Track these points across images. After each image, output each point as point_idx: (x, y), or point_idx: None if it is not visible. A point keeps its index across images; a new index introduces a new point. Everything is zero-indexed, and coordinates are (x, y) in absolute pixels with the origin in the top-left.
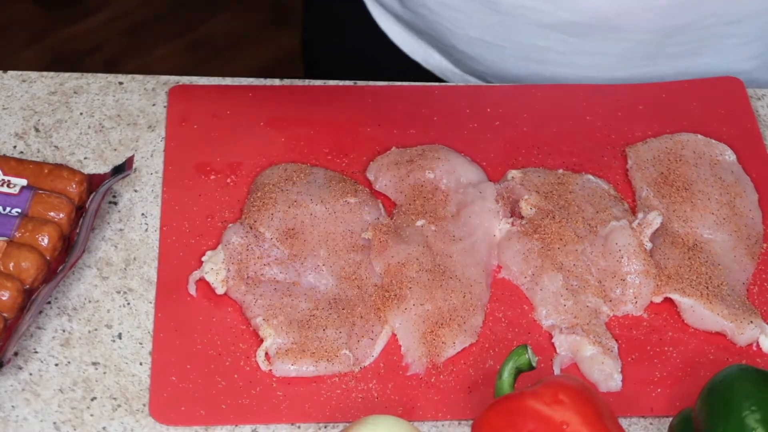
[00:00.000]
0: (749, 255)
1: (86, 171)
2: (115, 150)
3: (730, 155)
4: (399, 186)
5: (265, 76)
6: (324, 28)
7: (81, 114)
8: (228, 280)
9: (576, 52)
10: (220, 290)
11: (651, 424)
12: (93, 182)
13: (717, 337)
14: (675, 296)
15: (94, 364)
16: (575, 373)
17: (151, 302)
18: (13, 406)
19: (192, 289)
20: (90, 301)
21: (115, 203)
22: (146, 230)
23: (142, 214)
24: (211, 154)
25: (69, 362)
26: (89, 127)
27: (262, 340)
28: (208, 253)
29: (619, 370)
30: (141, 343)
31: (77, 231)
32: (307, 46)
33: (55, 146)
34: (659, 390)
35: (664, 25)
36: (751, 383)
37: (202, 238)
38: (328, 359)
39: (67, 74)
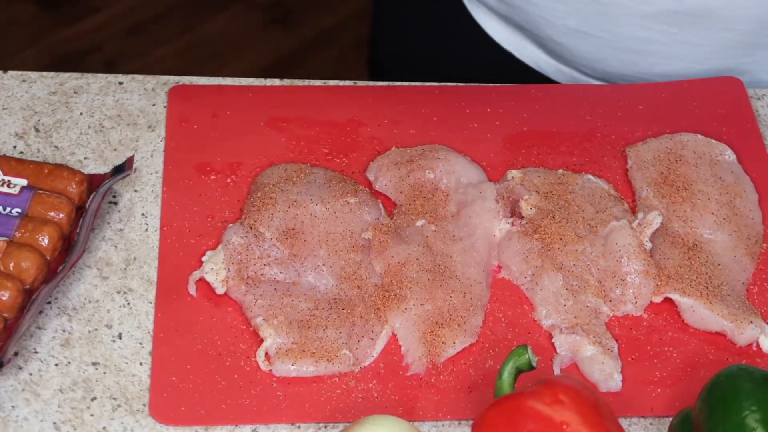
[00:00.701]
0: (749, 255)
1: (86, 171)
2: (115, 150)
3: (730, 155)
4: (399, 186)
5: (265, 76)
6: (412, 20)
7: (81, 114)
8: (228, 280)
9: (675, 42)
10: (220, 290)
11: (651, 424)
12: (93, 182)
13: (717, 337)
14: (675, 296)
15: (94, 364)
16: (575, 373)
17: (151, 302)
18: (13, 406)
19: (192, 289)
20: (90, 301)
21: (115, 203)
22: (146, 230)
23: (142, 214)
24: (211, 154)
25: (69, 362)
26: (89, 127)
27: (262, 340)
28: (208, 253)
29: (619, 370)
30: (141, 343)
31: (77, 231)
32: (382, 41)
33: (55, 146)
34: (659, 390)
35: (764, 14)
36: (751, 383)
37: (202, 238)
38: (328, 359)
39: (67, 74)
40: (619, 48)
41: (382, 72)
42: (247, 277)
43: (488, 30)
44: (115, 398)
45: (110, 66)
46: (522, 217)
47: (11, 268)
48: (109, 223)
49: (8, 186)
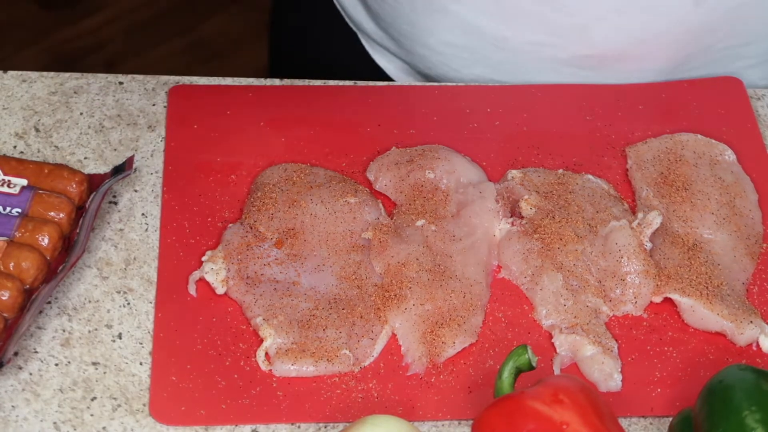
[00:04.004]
0: (749, 255)
1: (86, 171)
2: (115, 150)
3: (730, 155)
4: (399, 186)
5: (265, 76)
6: (308, 51)
7: (81, 114)
8: (228, 280)
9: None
10: (220, 290)
11: (651, 424)
12: (93, 182)
13: (717, 337)
14: (675, 296)
15: (94, 364)
16: (575, 373)
17: (151, 302)
18: (13, 406)
19: (192, 289)
20: (90, 301)
21: (115, 203)
22: (146, 230)
23: (142, 214)
24: (211, 154)
25: (69, 362)
26: (89, 127)
27: (262, 340)
28: (208, 253)
29: (619, 370)
30: (141, 343)
31: (77, 231)
32: (283, 64)
33: (55, 146)
34: (659, 390)
35: (677, 53)
36: (751, 383)
37: (202, 238)
38: (328, 359)
39: (67, 74)
40: None
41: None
42: (247, 277)
43: (391, 75)
44: (115, 398)
45: (110, 66)
46: (522, 217)
47: (11, 268)
48: (109, 223)
49: (8, 186)
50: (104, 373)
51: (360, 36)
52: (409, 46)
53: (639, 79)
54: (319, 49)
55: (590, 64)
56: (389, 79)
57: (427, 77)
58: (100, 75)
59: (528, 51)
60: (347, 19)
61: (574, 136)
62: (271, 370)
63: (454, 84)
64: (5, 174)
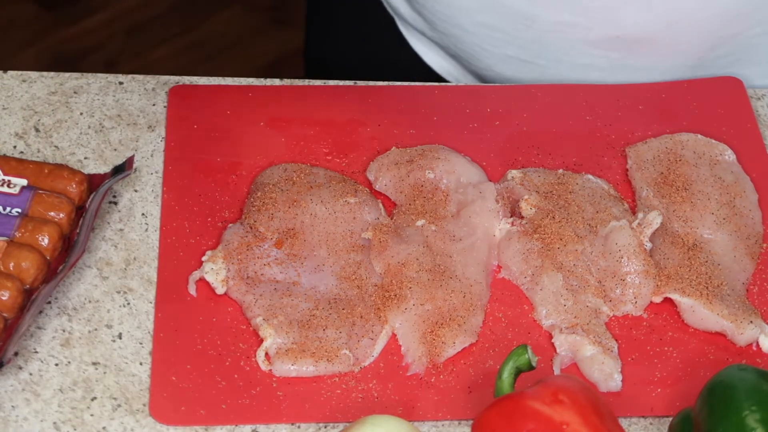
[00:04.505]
0: (749, 255)
1: (86, 171)
2: (115, 150)
3: (730, 155)
4: (399, 186)
5: (265, 76)
6: (342, 38)
7: (81, 114)
8: (228, 280)
9: (617, 67)
10: (220, 290)
11: (651, 424)
12: (93, 182)
13: (717, 337)
14: (675, 296)
15: (94, 364)
16: (575, 373)
17: (151, 302)
18: (13, 406)
19: (192, 289)
20: (90, 301)
21: (115, 203)
22: (146, 230)
23: (142, 214)
24: (211, 154)
25: (69, 362)
26: (89, 127)
27: (262, 340)
28: (208, 253)
29: (619, 370)
30: (141, 343)
31: (77, 231)
32: (315, 52)
33: (55, 146)
34: (659, 390)
35: (711, 36)
36: (751, 383)
37: (202, 238)
38: (328, 359)
39: (67, 74)
40: (560, 75)
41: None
42: (247, 277)
43: (425, 59)
44: (115, 398)
45: (110, 66)
46: (522, 217)
47: (11, 268)
48: (109, 223)
49: (8, 186)
50: (104, 373)
51: (397, 20)
52: (443, 28)
53: (668, 62)
54: (355, 36)
55: (619, 46)
56: (424, 64)
57: (460, 60)
58: (100, 75)
59: (557, 31)
60: (385, 4)
61: (574, 136)
62: (271, 370)
63: (454, 84)
64: (5, 174)
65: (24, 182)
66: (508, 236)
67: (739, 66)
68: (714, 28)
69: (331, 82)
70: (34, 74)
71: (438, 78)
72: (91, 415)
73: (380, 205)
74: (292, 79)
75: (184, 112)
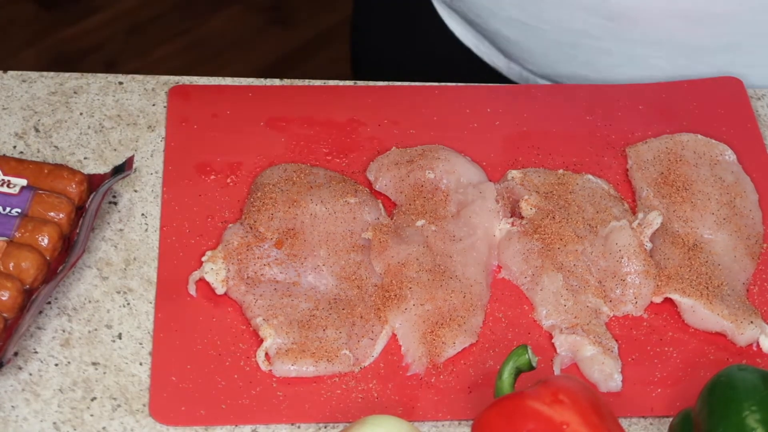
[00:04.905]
0: (749, 255)
1: (86, 171)
2: (115, 150)
3: (730, 155)
4: (399, 186)
5: (265, 76)
6: (386, 21)
7: (81, 114)
8: (228, 280)
9: (609, 36)
10: (220, 290)
11: (651, 424)
12: (93, 182)
13: (717, 337)
14: (675, 296)
15: (94, 364)
16: (575, 373)
17: (151, 302)
18: (13, 406)
19: (192, 289)
20: (90, 301)
21: (115, 203)
22: (146, 230)
23: (142, 214)
24: (211, 154)
25: (69, 362)
26: (89, 127)
27: (262, 340)
28: (208, 253)
29: (619, 370)
30: (141, 343)
31: (77, 231)
32: (359, 42)
33: (55, 146)
34: (659, 390)
35: (707, 11)
36: (751, 383)
37: (202, 238)
38: (328, 359)
39: (67, 74)
40: (559, 40)
41: (361, 72)
42: (247, 277)
43: (451, 27)
44: (115, 398)
45: (110, 66)
46: (522, 217)
47: (11, 268)
48: (109, 223)
49: (8, 186)
50: (104, 373)
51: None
52: None
53: (656, 41)
54: (395, 15)
55: (613, 15)
56: (455, 39)
57: (475, 25)
58: (100, 75)
59: None
60: None
61: (574, 136)
62: (271, 370)
63: (454, 84)
64: (5, 174)
65: (24, 182)
66: (508, 236)
67: (736, 52)
68: (708, 2)
69: (331, 82)
70: (34, 74)
71: (461, 48)
72: (91, 415)
73: (380, 205)
74: (292, 79)
75: (184, 112)
